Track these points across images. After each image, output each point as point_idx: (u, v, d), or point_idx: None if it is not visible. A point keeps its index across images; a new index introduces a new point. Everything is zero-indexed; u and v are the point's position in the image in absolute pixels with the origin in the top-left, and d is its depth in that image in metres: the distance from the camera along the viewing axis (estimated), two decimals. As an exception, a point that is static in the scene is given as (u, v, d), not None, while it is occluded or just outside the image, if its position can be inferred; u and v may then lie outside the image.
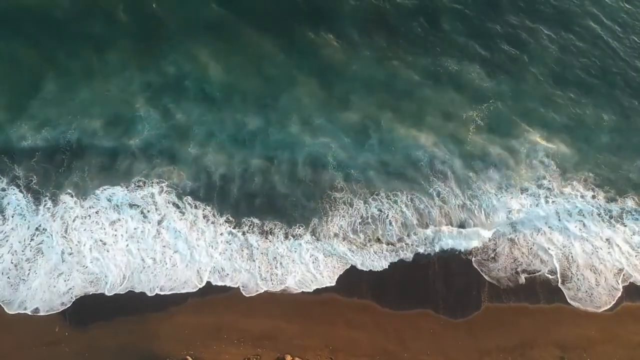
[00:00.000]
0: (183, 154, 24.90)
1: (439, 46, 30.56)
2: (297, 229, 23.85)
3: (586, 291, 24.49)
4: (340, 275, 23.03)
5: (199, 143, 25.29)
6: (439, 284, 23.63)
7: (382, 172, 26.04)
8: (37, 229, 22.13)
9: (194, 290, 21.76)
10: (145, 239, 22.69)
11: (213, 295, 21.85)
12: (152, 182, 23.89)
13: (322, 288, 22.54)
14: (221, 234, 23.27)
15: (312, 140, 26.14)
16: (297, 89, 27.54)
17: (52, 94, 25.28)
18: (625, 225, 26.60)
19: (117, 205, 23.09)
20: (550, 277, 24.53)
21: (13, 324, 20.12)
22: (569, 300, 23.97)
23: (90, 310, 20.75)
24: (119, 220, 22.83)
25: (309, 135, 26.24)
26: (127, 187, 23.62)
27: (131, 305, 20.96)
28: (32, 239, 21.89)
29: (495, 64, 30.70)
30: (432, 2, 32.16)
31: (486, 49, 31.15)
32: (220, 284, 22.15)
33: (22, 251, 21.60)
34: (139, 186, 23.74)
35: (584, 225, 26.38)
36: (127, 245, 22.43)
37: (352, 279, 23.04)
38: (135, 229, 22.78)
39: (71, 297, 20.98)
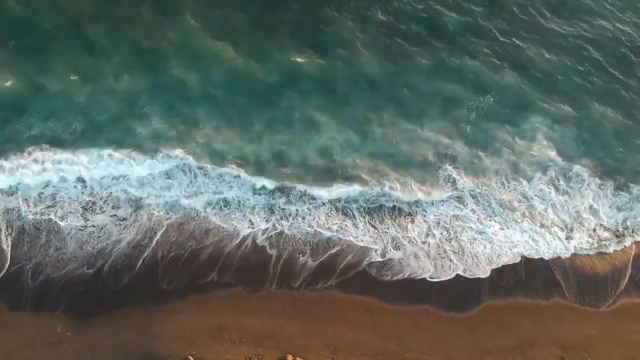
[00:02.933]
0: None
1: (441, 41, 30.09)
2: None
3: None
4: (342, 272, 23.08)
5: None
6: (440, 283, 23.68)
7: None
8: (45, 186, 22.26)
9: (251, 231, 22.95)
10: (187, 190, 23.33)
11: (214, 293, 21.81)
12: (175, 155, 23.81)
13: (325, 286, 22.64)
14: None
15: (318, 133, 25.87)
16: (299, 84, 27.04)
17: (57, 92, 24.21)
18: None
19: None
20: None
21: (15, 323, 20.08)
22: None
23: (92, 309, 20.72)
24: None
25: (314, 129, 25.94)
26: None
27: (132, 305, 20.95)
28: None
29: (498, 58, 30.37)
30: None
31: (489, 43, 30.77)
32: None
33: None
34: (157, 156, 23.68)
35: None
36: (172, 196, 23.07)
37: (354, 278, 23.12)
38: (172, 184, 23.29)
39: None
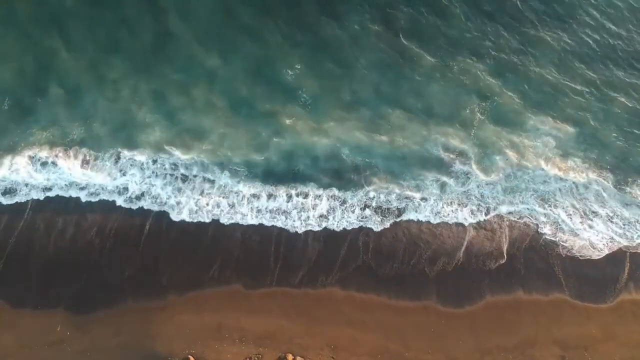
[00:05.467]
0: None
1: (444, 42, 29.62)
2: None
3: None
4: (341, 268, 23.08)
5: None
6: (440, 279, 23.65)
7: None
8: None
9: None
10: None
11: (213, 290, 21.72)
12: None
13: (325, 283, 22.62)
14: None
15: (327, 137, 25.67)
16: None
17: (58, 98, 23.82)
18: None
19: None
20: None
21: (15, 323, 20.08)
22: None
23: (92, 308, 20.70)
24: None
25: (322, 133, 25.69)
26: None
27: (132, 304, 20.92)
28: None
29: (501, 59, 30.00)
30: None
31: (492, 44, 30.39)
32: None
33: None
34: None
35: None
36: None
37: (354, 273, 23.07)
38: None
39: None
